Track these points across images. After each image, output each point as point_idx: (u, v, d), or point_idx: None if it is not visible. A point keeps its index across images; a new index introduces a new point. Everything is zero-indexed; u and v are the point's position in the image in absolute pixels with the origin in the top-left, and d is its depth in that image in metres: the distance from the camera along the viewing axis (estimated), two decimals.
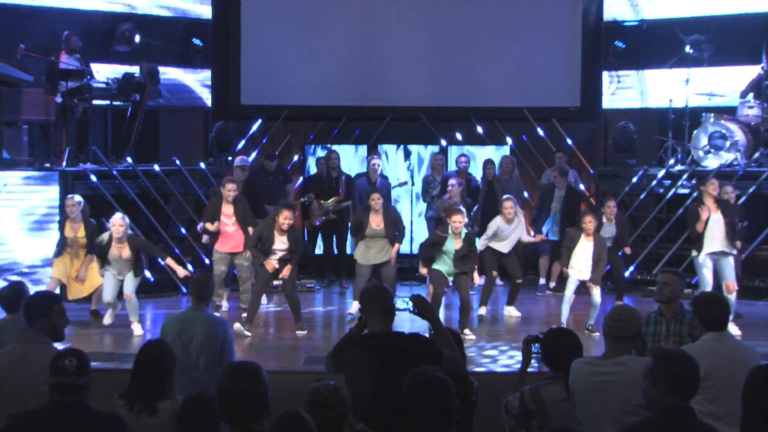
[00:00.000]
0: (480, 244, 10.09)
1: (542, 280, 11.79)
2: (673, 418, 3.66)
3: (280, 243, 9.17)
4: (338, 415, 4.07)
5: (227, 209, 9.90)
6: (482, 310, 10.10)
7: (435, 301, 9.07)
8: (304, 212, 12.17)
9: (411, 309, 4.89)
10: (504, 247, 10.17)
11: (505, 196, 10.39)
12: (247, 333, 9.05)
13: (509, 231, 10.13)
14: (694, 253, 9.51)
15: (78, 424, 3.97)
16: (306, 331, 9.20)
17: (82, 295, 9.78)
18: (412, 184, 12.57)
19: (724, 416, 4.80)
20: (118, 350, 8.51)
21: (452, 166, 12.56)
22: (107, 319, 9.59)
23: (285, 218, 9.06)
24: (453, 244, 9.17)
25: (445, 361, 4.61)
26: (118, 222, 9.19)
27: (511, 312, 10.23)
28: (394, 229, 9.94)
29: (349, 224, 10.71)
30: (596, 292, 9.20)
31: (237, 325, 9.08)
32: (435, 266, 9.28)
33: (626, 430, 3.82)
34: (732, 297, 9.14)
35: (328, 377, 4.31)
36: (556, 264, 11.38)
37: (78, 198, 9.73)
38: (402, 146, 13.52)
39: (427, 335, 4.90)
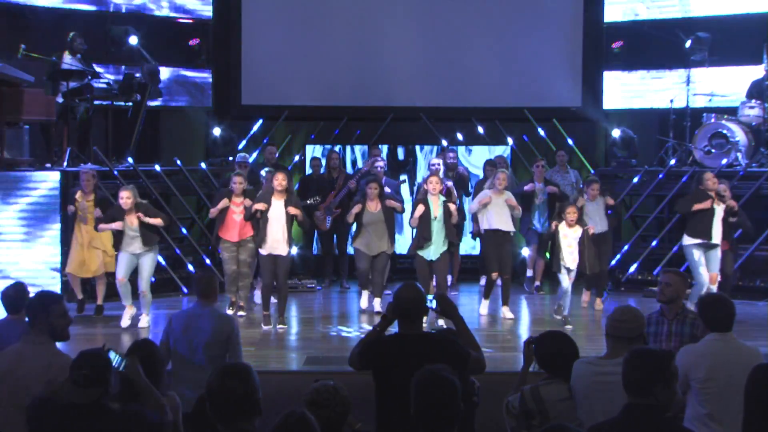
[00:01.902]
0: (471, 206, 10.37)
1: (529, 272, 11.71)
2: (634, 415, 3.71)
3: (280, 211, 9.30)
4: (338, 415, 4.08)
5: (237, 198, 10.02)
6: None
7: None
8: (311, 216, 12.12)
9: (434, 308, 4.90)
10: (499, 222, 10.01)
11: (500, 169, 10.46)
12: (282, 327, 9.41)
13: (499, 204, 10.01)
14: (686, 241, 9.66)
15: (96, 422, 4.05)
16: (286, 326, 9.39)
17: (87, 275, 10.00)
18: (413, 183, 12.55)
19: (724, 417, 4.81)
20: (120, 349, 8.48)
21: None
22: (125, 321, 9.54)
23: (278, 180, 9.26)
24: (433, 211, 9.53)
25: (471, 362, 4.66)
26: (125, 195, 9.34)
27: (506, 313, 10.06)
28: (391, 213, 10.19)
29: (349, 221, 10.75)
30: (565, 278, 9.43)
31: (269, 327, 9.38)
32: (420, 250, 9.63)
33: (593, 428, 3.85)
34: (714, 288, 9.42)
35: (327, 377, 4.31)
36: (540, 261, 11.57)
37: (93, 172, 10.05)
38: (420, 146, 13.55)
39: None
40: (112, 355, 4.39)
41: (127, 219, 9.34)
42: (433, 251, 9.64)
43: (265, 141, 13.60)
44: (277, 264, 9.35)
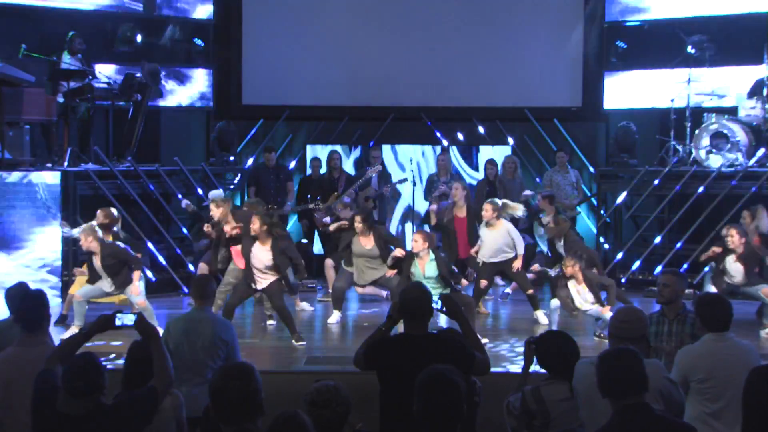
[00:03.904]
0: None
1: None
2: (630, 417, 3.74)
3: (263, 255, 8.62)
4: (339, 416, 4.08)
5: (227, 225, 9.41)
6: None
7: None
8: (311, 215, 12.10)
9: (440, 308, 4.89)
10: (487, 255, 9.62)
11: (487, 200, 9.86)
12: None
13: (489, 237, 9.61)
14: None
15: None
16: (305, 342, 8.72)
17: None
18: (413, 184, 12.54)
19: (725, 416, 4.82)
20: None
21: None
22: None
23: (254, 226, 8.57)
24: (418, 268, 8.70)
25: (476, 363, 4.69)
26: (82, 238, 8.69)
27: (539, 317, 9.61)
28: (387, 247, 9.34)
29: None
30: (608, 316, 8.59)
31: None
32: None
33: None
34: None
35: (328, 377, 4.31)
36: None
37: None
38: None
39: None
40: (119, 317, 4.44)
41: (94, 257, 8.73)
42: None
43: (265, 141, 13.62)
44: (266, 293, 8.77)
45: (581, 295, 8.85)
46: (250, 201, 10.90)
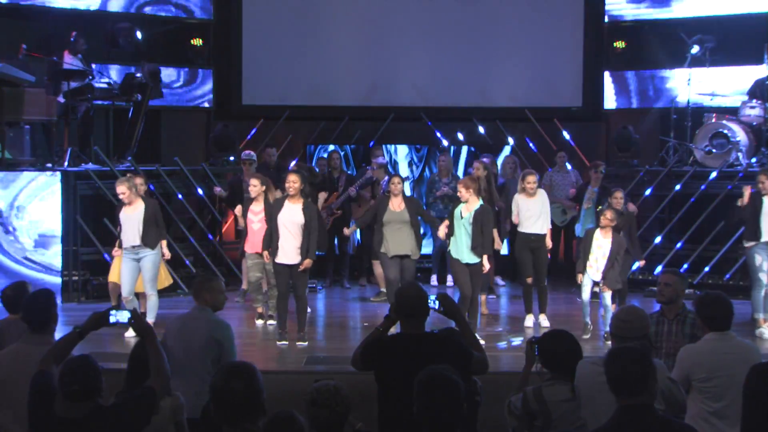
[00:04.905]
0: (513, 219, 9.87)
1: None
2: (630, 417, 3.71)
3: (296, 213, 8.60)
4: (339, 416, 4.07)
5: (255, 206, 9.40)
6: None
7: (463, 302, 8.67)
8: None
9: (437, 308, 4.89)
10: (536, 227, 9.64)
11: (528, 171, 10.10)
12: (284, 343, 8.70)
13: (532, 207, 9.67)
14: (746, 245, 9.26)
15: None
16: (307, 343, 8.71)
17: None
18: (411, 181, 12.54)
19: (727, 415, 4.83)
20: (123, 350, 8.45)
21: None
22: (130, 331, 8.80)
23: (289, 182, 8.57)
24: (467, 214, 8.77)
25: (474, 362, 4.67)
26: (140, 182, 9.11)
27: (542, 321, 9.61)
28: (417, 214, 9.39)
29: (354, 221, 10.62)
30: (607, 295, 8.78)
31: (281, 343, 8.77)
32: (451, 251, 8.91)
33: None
34: None
35: (328, 377, 4.31)
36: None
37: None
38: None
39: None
40: (113, 314, 4.40)
41: (126, 209, 8.82)
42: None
43: (265, 141, 13.61)
44: (293, 273, 8.66)
45: (602, 249, 8.83)
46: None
